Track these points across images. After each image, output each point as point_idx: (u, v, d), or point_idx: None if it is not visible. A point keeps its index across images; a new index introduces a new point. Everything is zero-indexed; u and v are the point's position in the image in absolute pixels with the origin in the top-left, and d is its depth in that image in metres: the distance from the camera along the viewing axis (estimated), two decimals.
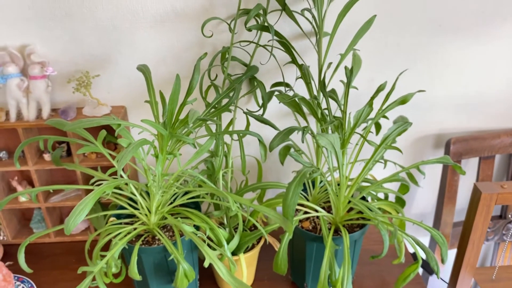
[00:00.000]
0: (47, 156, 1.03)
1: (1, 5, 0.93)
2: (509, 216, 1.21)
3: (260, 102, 1.00)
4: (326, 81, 0.88)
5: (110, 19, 0.96)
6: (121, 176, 0.84)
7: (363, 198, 0.94)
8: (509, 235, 1.21)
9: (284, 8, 0.91)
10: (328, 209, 0.95)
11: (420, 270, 1.28)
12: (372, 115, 0.87)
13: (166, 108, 0.78)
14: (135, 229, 0.86)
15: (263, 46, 0.95)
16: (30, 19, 0.95)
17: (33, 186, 1.08)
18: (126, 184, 0.88)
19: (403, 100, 0.80)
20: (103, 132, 0.85)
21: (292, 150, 1.00)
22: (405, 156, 1.20)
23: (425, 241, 1.30)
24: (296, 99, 0.85)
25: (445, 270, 1.24)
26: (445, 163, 0.85)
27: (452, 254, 1.11)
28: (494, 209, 1.28)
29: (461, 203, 1.25)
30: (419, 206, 1.31)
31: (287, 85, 0.99)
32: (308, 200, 0.97)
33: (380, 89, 0.80)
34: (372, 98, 0.80)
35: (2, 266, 0.92)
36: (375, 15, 0.85)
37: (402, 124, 0.80)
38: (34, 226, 1.12)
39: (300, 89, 0.99)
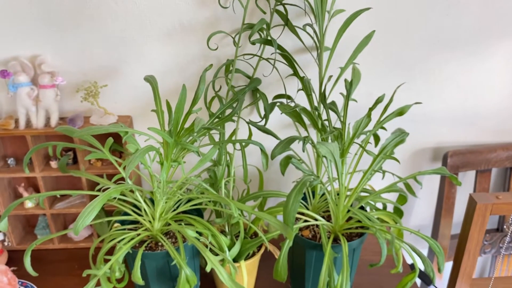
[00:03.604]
0: (53, 163, 1.05)
1: (14, 17, 0.97)
2: (505, 228, 1.23)
3: (262, 113, 1.03)
4: (327, 93, 0.91)
5: (119, 32, 0.99)
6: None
7: (362, 208, 0.96)
8: (504, 248, 1.22)
9: (287, 23, 0.95)
10: (328, 218, 0.97)
11: (419, 282, 1.29)
12: (371, 126, 0.90)
13: (172, 116, 0.81)
14: (138, 235, 0.88)
15: (266, 59, 0.98)
16: (41, 30, 0.99)
17: (39, 193, 1.10)
18: (131, 191, 0.90)
19: (400, 112, 0.82)
20: (110, 140, 0.88)
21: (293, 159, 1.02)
22: (403, 169, 1.22)
23: (423, 253, 1.31)
24: (298, 109, 0.87)
25: (443, 282, 1.26)
26: (441, 174, 0.88)
27: (449, 266, 1.13)
28: (491, 222, 1.30)
29: (459, 216, 1.26)
30: (418, 218, 1.33)
31: (288, 97, 1.02)
32: (308, 209, 0.99)
33: (378, 101, 0.83)
34: (371, 109, 0.83)
35: (7, 270, 0.94)
36: (374, 31, 0.89)
37: (400, 134, 0.83)
38: (39, 232, 1.14)
39: (301, 101, 1.02)
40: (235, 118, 0.97)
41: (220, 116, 0.94)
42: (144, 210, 0.89)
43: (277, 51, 0.93)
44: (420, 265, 1.04)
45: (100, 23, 0.99)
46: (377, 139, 0.97)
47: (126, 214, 0.92)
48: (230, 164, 0.99)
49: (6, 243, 1.12)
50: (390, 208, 1.09)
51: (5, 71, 0.97)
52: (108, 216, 0.96)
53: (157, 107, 0.85)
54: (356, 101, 0.97)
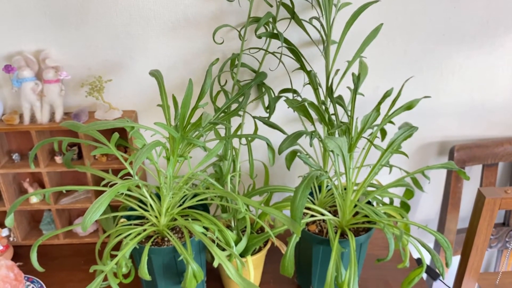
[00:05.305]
0: (58, 159, 1.05)
1: (18, 11, 0.96)
2: (511, 222, 1.22)
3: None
4: (334, 87, 0.90)
5: (124, 26, 0.99)
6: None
7: (369, 203, 0.96)
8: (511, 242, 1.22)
9: (293, 16, 0.94)
10: (334, 213, 0.97)
11: (424, 276, 1.29)
12: (378, 121, 0.89)
13: (179, 111, 0.80)
14: (145, 230, 0.88)
15: (272, 53, 0.97)
16: (45, 25, 0.98)
17: (43, 189, 1.10)
18: (138, 186, 0.90)
19: (409, 106, 0.82)
20: (116, 135, 0.87)
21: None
22: (409, 163, 1.22)
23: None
24: (306, 103, 0.87)
25: (449, 276, 1.25)
26: (449, 168, 0.87)
27: (455, 260, 1.13)
28: (497, 216, 1.29)
29: (464, 210, 1.26)
30: (423, 213, 1.32)
31: (294, 91, 1.01)
32: (314, 203, 0.98)
33: (387, 94, 0.82)
34: (380, 103, 0.82)
35: (14, 265, 0.94)
36: (382, 24, 0.88)
37: (408, 128, 0.82)
38: (44, 227, 1.14)
39: (307, 95, 1.02)
40: (241, 112, 0.96)
41: (226, 110, 0.94)
42: (150, 205, 0.89)
43: (284, 44, 0.92)
44: (427, 261, 1.04)
45: (105, 17, 0.98)
46: (383, 133, 0.96)
47: (132, 209, 0.92)
48: (236, 159, 0.98)
49: (11, 239, 1.12)
50: (396, 202, 1.08)
51: (9, 66, 0.96)
52: (114, 211, 0.95)
53: (163, 102, 0.85)
54: (363, 95, 0.96)
